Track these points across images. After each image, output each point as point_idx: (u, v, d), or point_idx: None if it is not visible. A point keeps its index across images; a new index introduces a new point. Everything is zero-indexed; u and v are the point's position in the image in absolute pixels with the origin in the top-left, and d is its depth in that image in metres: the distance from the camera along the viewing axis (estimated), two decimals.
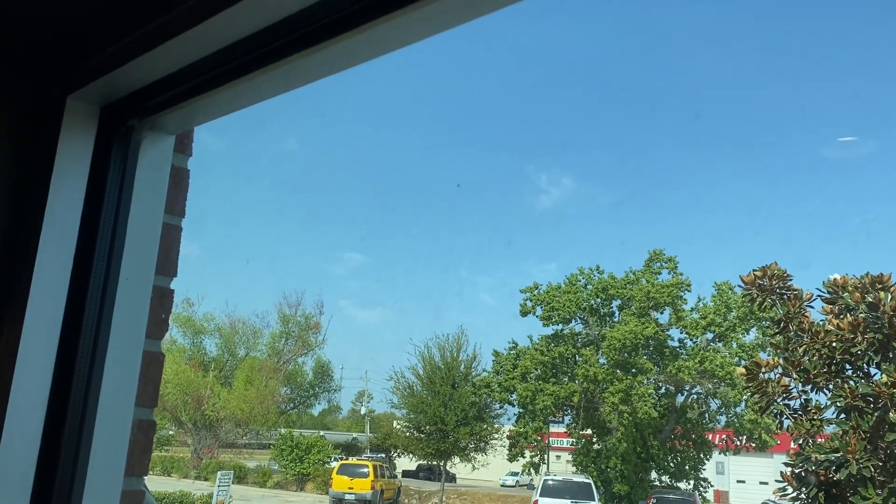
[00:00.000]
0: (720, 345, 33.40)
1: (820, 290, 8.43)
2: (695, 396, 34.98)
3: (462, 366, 37.04)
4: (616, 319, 35.44)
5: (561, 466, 46.30)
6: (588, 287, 35.89)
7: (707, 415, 34.75)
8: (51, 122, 1.40)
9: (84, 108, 1.41)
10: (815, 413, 8.01)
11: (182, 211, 1.53)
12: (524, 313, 36.24)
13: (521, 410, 35.44)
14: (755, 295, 8.85)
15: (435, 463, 40.92)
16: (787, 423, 8.13)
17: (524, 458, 36.68)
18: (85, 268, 1.37)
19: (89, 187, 1.41)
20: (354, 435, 57.73)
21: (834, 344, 7.86)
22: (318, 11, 1.06)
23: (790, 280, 8.77)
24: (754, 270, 8.95)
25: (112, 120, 1.42)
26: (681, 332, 34.44)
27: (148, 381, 1.43)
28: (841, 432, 7.48)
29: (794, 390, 8.15)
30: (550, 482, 25.38)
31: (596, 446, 34.82)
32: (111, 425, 1.36)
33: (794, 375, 8.02)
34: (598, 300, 35.65)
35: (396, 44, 1.08)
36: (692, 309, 34.50)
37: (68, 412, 1.32)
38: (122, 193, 1.41)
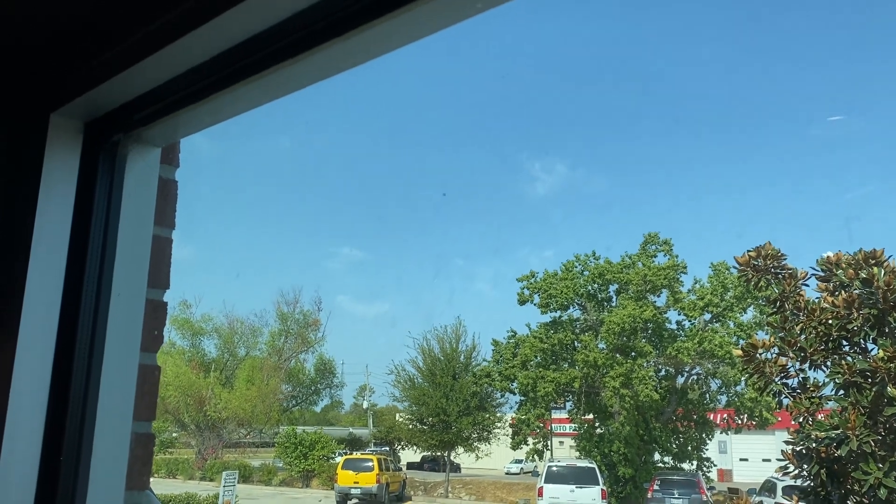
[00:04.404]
0: (718, 325, 33.49)
1: (814, 269, 8.46)
2: (695, 377, 35.09)
3: (462, 356, 37.15)
4: (614, 304, 35.50)
5: (564, 452, 46.47)
6: (584, 273, 35.91)
7: (708, 395, 34.85)
8: (35, 140, 1.39)
9: (68, 124, 1.41)
10: (814, 391, 8.05)
11: (172, 222, 1.53)
12: (522, 302, 36.25)
13: (522, 398, 35.53)
14: (750, 275, 8.87)
15: (439, 454, 41.09)
16: (786, 401, 8.17)
17: (527, 445, 36.78)
18: (76, 284, 1.37)
19: (77, 204, 1.40)
20: (350, 429, 58.05)
21: (830, 321, 7.89)
22: (300, 21, 1.05)
23: (784, 259, 8.77)
24: (748, 251, 8.95)
25: (97, 135, 1.42)
26: (679, 314, 34.48)
27: (145, 394, 1.44)
28: (840, 409, 7.51)
29: (792, 369, 8.19)
30: (555, 468, 25.51)
31: (598, 431, 34.93)
32: (110, 440, 1.36)
33: (791, 354, 8.05)
34: (595, 285, 35.68)
35: (379, 50, 1.08)
36: (689, 290, 34.57)
37: (66, 429, 1.32)
38: (110, 208, 1.41)
